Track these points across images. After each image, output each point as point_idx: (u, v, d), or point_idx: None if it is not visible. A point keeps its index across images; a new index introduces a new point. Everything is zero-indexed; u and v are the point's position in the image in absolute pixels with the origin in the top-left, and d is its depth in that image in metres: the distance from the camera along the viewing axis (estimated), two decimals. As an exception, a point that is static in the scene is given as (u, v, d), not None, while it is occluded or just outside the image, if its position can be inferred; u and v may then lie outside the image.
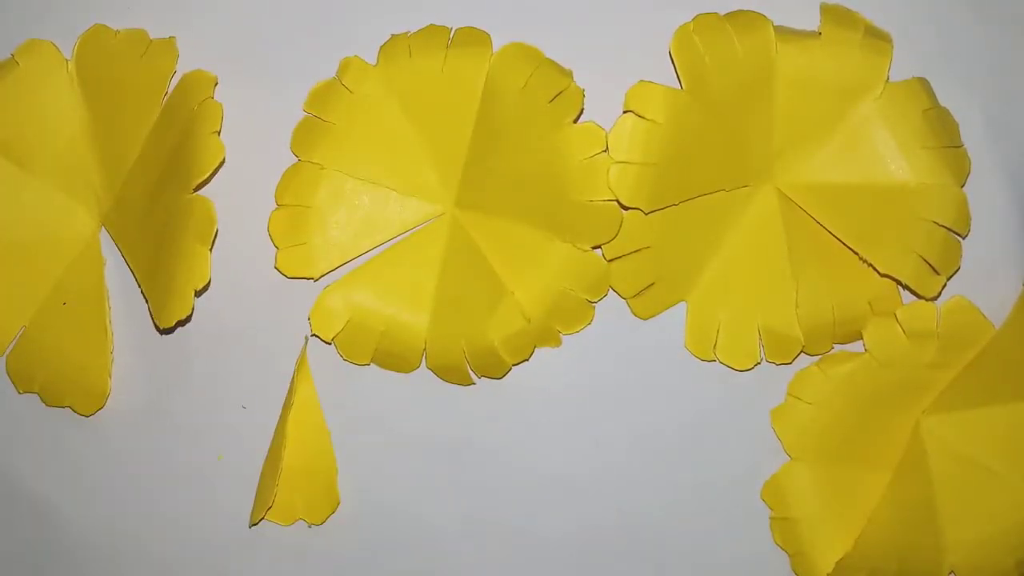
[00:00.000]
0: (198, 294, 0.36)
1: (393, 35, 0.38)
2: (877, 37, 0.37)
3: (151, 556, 0.40)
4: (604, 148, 0.37)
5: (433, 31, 0.38)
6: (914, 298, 0.38)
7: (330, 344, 0.38)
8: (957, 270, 0.37)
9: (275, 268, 0.38)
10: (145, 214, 0.38)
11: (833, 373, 0.38)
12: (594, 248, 0.38)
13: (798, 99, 0.37)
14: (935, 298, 0.37)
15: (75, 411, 0.39)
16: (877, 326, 0.37)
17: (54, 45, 0.39)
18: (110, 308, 0.39)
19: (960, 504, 0.37)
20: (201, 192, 0.36)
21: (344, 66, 0.38)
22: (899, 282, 0.37)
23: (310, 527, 0.39)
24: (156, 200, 0.37)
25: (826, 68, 0.37)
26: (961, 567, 0.37)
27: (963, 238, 0.37)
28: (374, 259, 0.39)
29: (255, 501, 0.38)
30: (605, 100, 0.37)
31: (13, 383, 0.39)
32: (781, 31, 0.37)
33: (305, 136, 0.38)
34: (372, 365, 0.39)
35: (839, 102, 0.37)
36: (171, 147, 0.37)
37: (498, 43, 0.37)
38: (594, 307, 0.38)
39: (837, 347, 0.38)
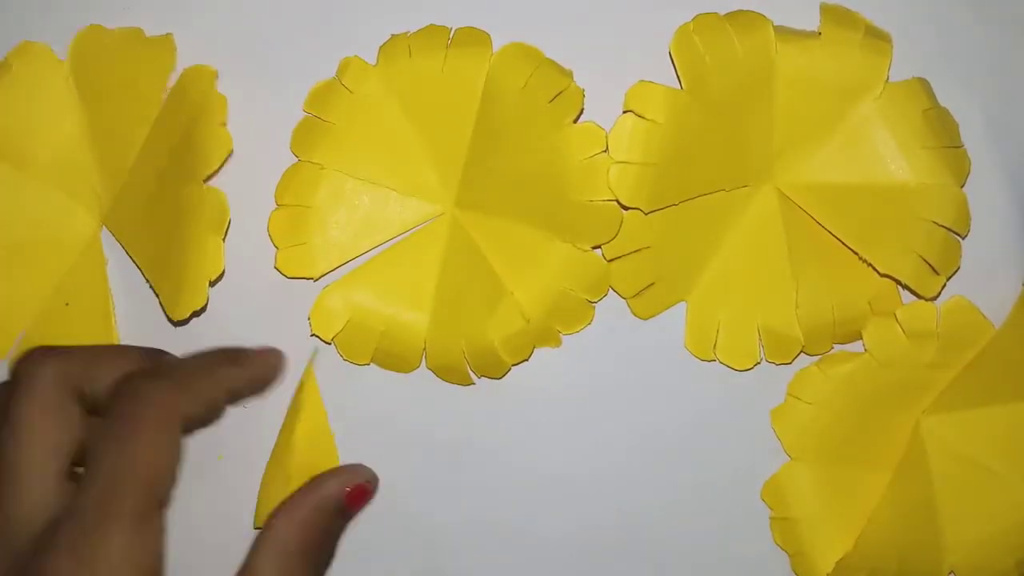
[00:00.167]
0: (212, 285, 0.36)
1: (393, 35, 0.38)
2: (877, 37, 0.37)
3: (151, 556, 0.40)
4: (604, 148, 0.37)
5: (433, 31, 0.38)
6: (914, 298, 0.38)
7: (330, 344, 0.38)
8: (957, 270, 0.37)
9: (275, 268, 0.38)
10: (149, 210, 0.38)
11: (833, 373, 0.38)
12: (594, 248, 0.38)
13: (798, 99, 0.37)
14: (935, 298, 0.37)
15: None
16: (877, 326, 0.37)
17: (48, 47, 0.39)
18: (114, 307, 0.39)
19: (960, 504, 0.37)
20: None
21: (344, 66, 0.38)
22: (899, 282, 0.37)
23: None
24: (161, 195, 0.37)
25: (826, 68, 0.37)
26: (961, 567, 0.37)
27: (963, 238, 0.37)
28: (374, 259, 0.39)
29: (258, 501, 0.38)
30: (605, 100, 0.37)
31: None
32: (781, 31, 0.37)
33: (305, 136, 0.38)
34: (372, 365, 0.39)
35: (839, 102, 0.37)
36: (176, 141, 0.37)
37: (498, 43, 0.37)
38: (594, 307, 0.38)
39: (837, 347, 0.38)
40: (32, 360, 0.30)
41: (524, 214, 0.38)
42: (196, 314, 0.37)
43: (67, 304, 0.39)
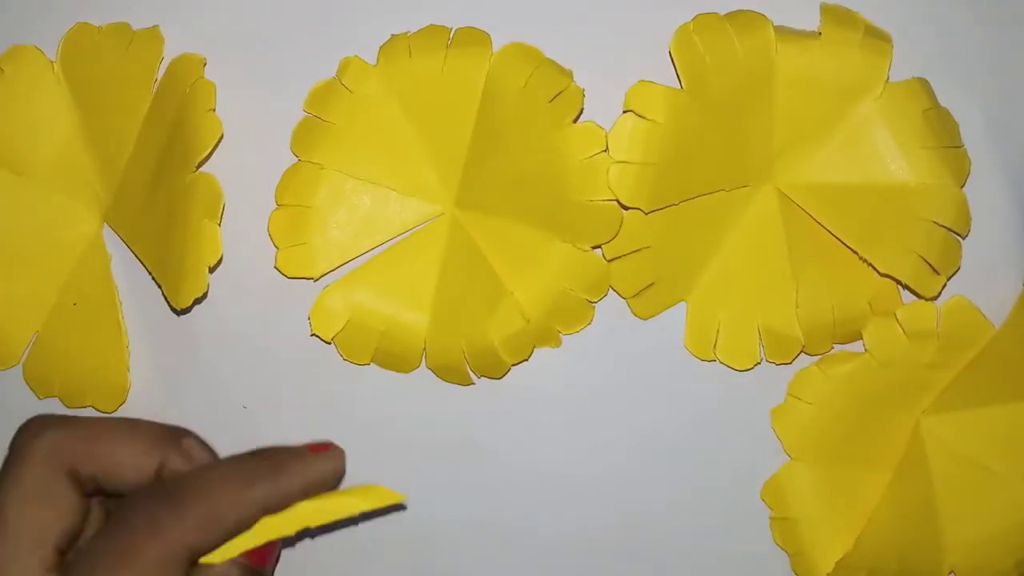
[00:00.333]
0: (211, 270, 0.36)
1: (393, 35, 0.38)
2: (877, 37, 0.37)
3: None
4: (604, 148, 0.37)
5: (433, 31, 0.38)
6: (914, 298, 0.38)
7: (330, 344, 0.38)
8: (957, 270, 0.37)
9: (275, 268, 0.38)
10: (148, 203, 0.38)
11: (833, 373, 0.38)
12: (594, 248, 0.38)
13: (798, 99, 0.37)
14: (935, 298, 0.37)
15: (97, 409, 0.39)
16: (877, 326, 0.37)
17: (38, 49, 0.39)
18: (121, 303, 0.39)
19: (960, 504, 0.37)
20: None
21: (344, 66, 0.38)
22: (899, 282, 0.37)
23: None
24: (157, 186, 0.37)
25: (826, 68, 0.37)
26: (961, 567, 0.37)
27: (963, 238, 0.37)
28: (374, 259, 0.39)
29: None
30: (605, 100, 0.37)
31: (32, 390, 0.39)
32: (781, 31, 0.37)
33: (305, 136, 0.38)
34: (372, 365, 0.39)
35: (839, 102, 0.37)
36: (167, 131, 0.37)
37: (498, 43, 0.37)
38: (594, 307, 0.38)
39: (837, 347, 0.38)
40: (28, 434, 0.28)
41: (524, 214, 0.38)
42: (198, 301, 0.37)
43: (75, 304, 0.39)
